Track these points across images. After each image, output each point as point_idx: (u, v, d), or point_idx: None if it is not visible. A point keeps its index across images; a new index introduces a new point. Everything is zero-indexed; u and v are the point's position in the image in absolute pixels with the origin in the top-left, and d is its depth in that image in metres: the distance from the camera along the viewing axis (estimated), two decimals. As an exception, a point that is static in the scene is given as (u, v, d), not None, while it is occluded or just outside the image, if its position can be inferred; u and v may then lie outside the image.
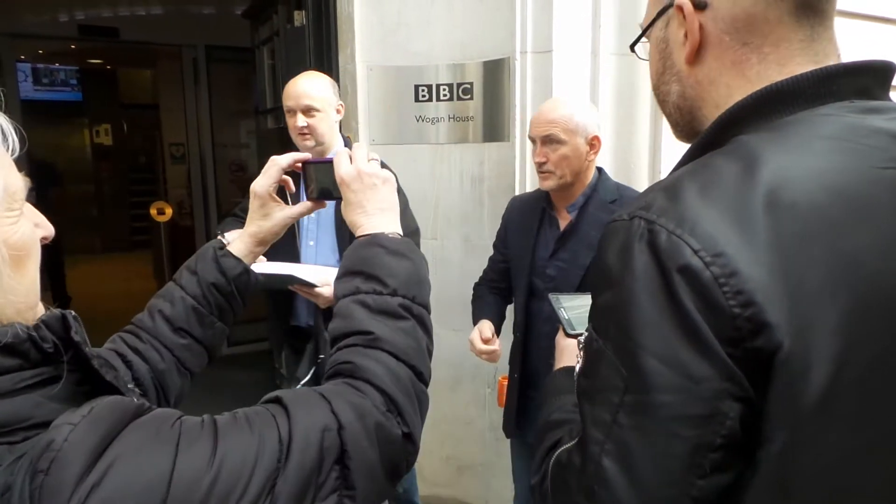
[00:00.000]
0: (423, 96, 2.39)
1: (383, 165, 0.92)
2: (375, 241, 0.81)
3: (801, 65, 0.62)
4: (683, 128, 0.72)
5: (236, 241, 0.94)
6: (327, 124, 1.91)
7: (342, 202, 0.87)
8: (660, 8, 0.70)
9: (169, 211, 6.24)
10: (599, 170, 1.66)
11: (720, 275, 0.52)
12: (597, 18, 2.19)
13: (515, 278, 1.74)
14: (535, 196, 1.73)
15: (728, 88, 0.65)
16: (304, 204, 0.96)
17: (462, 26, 2.33)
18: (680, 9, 0.66)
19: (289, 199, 0.98)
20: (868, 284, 0.54)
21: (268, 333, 3.61)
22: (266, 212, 0.93)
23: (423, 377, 0.74)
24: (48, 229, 0.63)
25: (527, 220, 1.74)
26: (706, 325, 0.52)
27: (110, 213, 9.60)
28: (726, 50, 0.64)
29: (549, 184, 1.60)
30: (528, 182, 2.25)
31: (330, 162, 0.88)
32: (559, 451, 0.65)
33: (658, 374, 0.54)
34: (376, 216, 0.85)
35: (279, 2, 2.76)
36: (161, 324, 0.88)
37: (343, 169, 0.86)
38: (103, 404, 0.55)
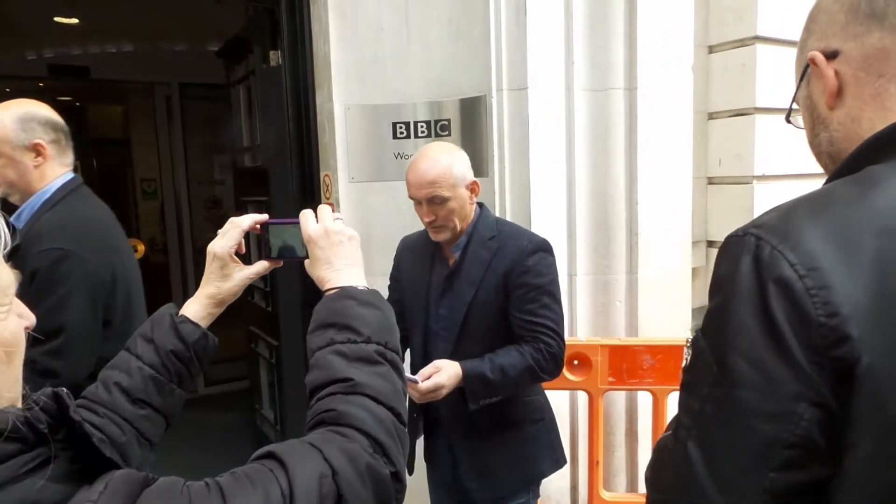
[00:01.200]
0: (402, 133, 2.41)
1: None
2: (346, 293, 0.84)
3: None
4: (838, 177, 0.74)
5: (192, 304, 0.94)
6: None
7: (309, 259, 0.91)
8: (801, 71, 0.75)
9: (141, 248, 6.13)
10: (480, 205, 1.71)
11: (812, 287, 0.56)
12: (569, 56, 2.24)
13: (411, 320, 1.76)
14: (424, 237, 1.75)
15: (871, 122, 0.68)
16: (262, 263, 0.98)
17: (439, 64, 2.36)
18: (814, 63, 0.71)
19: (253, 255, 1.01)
20: None
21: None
22: (226, 273, 0.94)
23: (401, 418, 0.76)
24: (30, 318, 0.63)
25: (418, 262, 1.77)
26: (792, 332, 0.57)
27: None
28: (864, 86, 0.68)
29: (444, 236, 1.65)
30: (507, 214, 2.27)
31: (293, 223, 0.93)
32: (664, 436, 0.71)
33: (742, 372, 0.59)
34: (344, 271, 0.88)
35: (254, 41, 2.77)
36: (118, 396, 0.86)
37: (311, 227, 0.90)
38: (116, 479, 0.56)
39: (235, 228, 0.95)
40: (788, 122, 0.83)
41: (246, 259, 0.99)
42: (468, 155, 1.81)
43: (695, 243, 2.75)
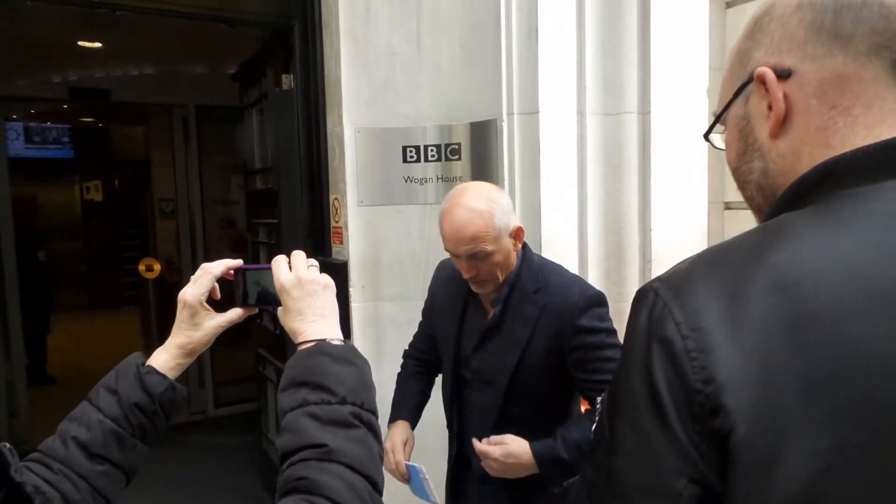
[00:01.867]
0: (412, 157, 2.40)
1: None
2: (320, 349, 0.80)
3: (892, 127, 0.58)
4: (765, 210, 0.66)
5: (160, 354, 0.90)
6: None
7: (281, 309, 0.87)
8: (738, 85, 0.66)
9: (157, 267, 6.18)
10: (523, 246, 1.53)
11: (692, 349, 0.51)
12: (581, 80, 2.22)
13: (442, 359, 1.66)
14: (458, 273, 1.55)
15: (811, 158, 0.59)
16: (235, 311, 0.94)
17: (449, 88, 2.35)
18: (761, 80, 0.62)
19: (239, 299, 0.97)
20: (875, 382, 0.48)
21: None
22: (197, 321, 0.90)
23: (378, 487, 0.72)
24: None
25: (451, 300, 1.62)
26: (672, 399, 0.52)
27: (99, 269, 9.52)
28: (812, 116, 0.60)
29: (486, 290, 1.49)
30: (517, 241, 2.24)
31: (267, 269, 0.89)
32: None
33: (626, 439, 0.55)
34: (318, 322, 0.84)
35: (267, 65, 2.79)
36: (75, 451, 0.80)
37: (283, 276, 0.86)
38: None
39: (207, 275, 0.92)
40: (707, 139, 0.74)
41: (223, 305, 0.95)
42: (477, 179, 1.78)
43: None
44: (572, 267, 2.26)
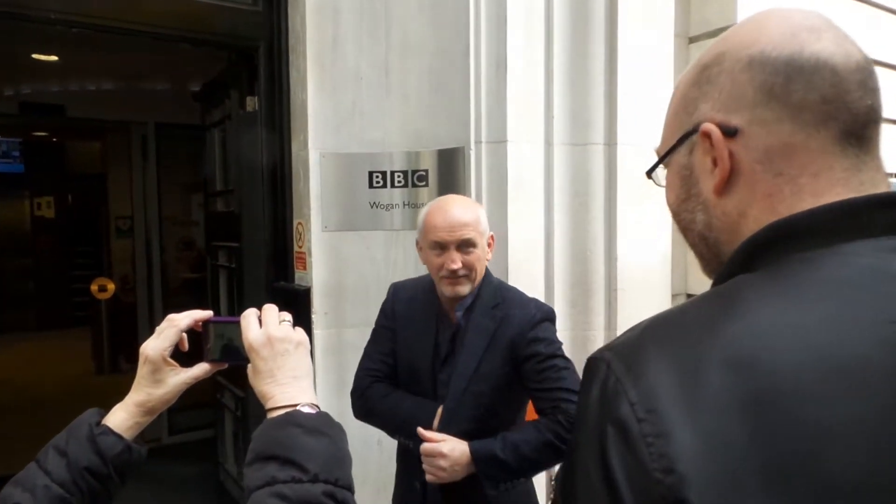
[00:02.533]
0: (378, 182, 2.37)
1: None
2: (290, 419, 0.74)
3: (840, 195, 0.56)
4: (710, 261, 0.65)
5: (118, 412, 0.83)
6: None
7: (250, 368, 0.81)
8: (680, 134, 0.64)
9: (111, 287, 5.97)
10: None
11: (649, 433, 0.47)
12: (549, 110, 2.23)
13: (408, 381, 1.63)
14: (423, 288, 1.64)
15: (756, 223, 0.58)
16: (202, 366, 0.88)
17: (417, 115, 2.34)
18: (707, 136, 0.60)
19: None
20: (837, 467, 0.44)
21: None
22: (159, 377, 0.83)
23: None
24: None
25: (421, 319, 1.63)
26: (629, 488, 0.48)
27: (49, 288, 9.15)
28: (758, 181, 0.58)
29: (464, 290, 1.52)
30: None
31: (237, 322, 0.83)
32: None
33: None
34: (289, 385, 0.78)
35: (231, 86, 2.73)
36: None
37: (252, 334, 0.80)
38: None
39: (172, 328, 0.85)
40: (649, 177, 0.72)
41: (189, 359, 0.89)
42: None
43: (675, 296, 2.72)
44: (538, 294, 2.25)
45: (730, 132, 0.59)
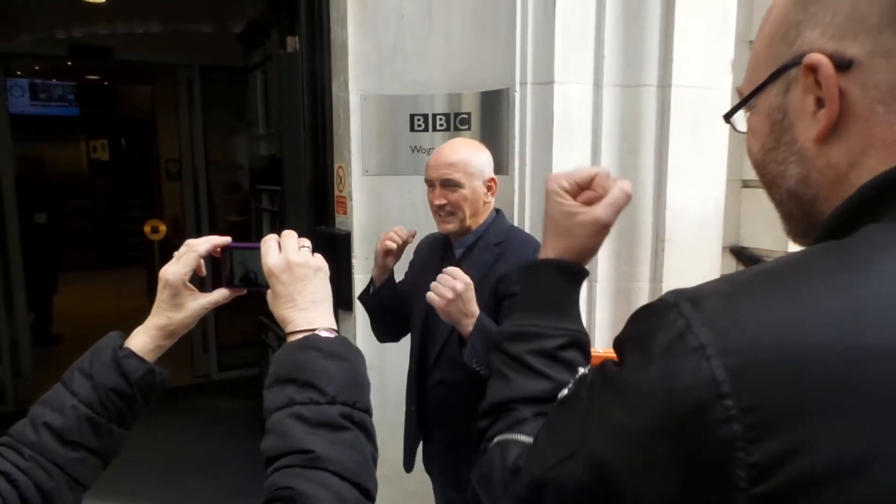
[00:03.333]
0: (419, 126, 2.31)
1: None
2: (309, 343, 0.74)
3: None
4: (800, 222, 0.56)
5: (139, 335, 0.84)
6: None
7: (270, 294, 0.81)
8: (775, 68, 0.53)
9: (163, 229, 6.15)
10: (497, 211, 1.68)
11: (743, 437, 0.37)
12: (600, 50, 2.11)
13: (414, 314, 1.73)
14: (440, 236, 1.75)
15: (874, 173, 0.48)
16: (221, 292, 0.89)
17: (460, 56, 2.25)
18: (811, 69, 0.49)
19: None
20: None
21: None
22: (179, 302, 0.84)
23: (369, 493, 0.67)
24: None
25: (431, 254, 1.76)
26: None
27: (106, 228, 9.51)
28: (877, 124, 0.48)
29: (450, 227, 1.61)
30: (527, 215, 2.17)
31: (256, 248, 0.83)
32: (506, 437, 0.61)
33: None
34: (308, 311, 0.78)
35: (272, 26, 2.68)
36: (47, 438, 0.75)
37: (271, 259, 0.80)
38: None
39: (191, 253, 0.85)
40: (728, 121, 0.63)
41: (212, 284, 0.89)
42: (488, 151, 1.75)
43: (724, 248, 2.61)
44: (582, 245, 2.19)
45: (843, 64, 0.48)
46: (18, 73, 7.88)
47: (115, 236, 9.34)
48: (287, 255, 0.80)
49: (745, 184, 3.07)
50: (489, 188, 1.62)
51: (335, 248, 2.41)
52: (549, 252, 0.73)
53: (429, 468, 1.81)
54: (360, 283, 2.41)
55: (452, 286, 1.40)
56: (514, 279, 1.48)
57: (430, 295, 1.42)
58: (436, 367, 1.64)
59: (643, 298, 2.25)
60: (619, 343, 0.52)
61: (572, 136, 2.13)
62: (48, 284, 5.49)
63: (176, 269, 0.84)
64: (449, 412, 1.62)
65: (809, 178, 0.53)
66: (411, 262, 1.84)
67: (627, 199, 0.74)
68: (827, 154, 0.51)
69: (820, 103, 0.50)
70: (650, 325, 0.47)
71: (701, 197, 2.25)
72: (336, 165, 2.47)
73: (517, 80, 2.11)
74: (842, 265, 0.44)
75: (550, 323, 0.68)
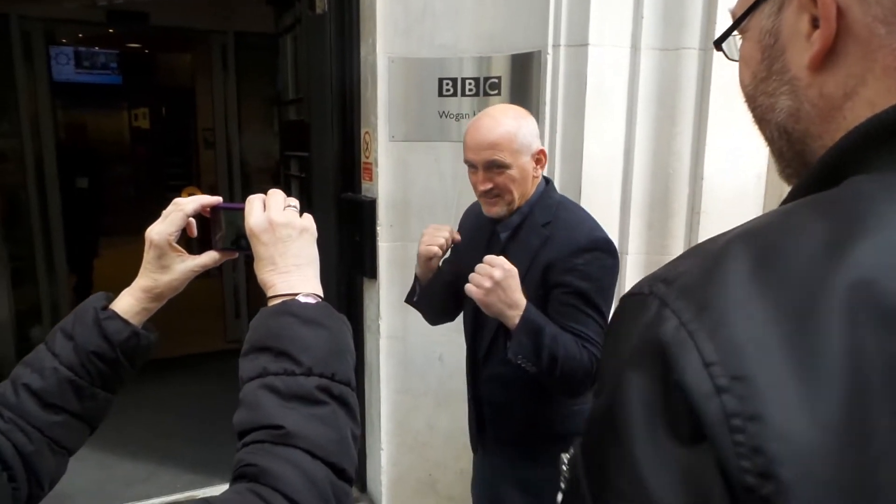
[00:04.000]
0: (448, 90, 2.24)
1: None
2: (286, 308, 0.70)
3: None
4: (791, 162, 0.51)
5: (125, 297, 0.80)
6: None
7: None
8: None
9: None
10: (546, 181, 1.50)
11: (734, 412, 0.32)
12: (638, 10, 2.00)
13: (465, 300, 1.55)
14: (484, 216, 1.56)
15: (870, 107, 0.42)
16: (211, 254, 0.85)
17: (491, 17, 2.17)
18: None
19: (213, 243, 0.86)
20: None
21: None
22: (165, 263, 0.80)
23: (345, 473, 0.62)
24: None
25: (477, 233, 1.58)
26: (696, 493, 0.33)
27: (147, 195, 9.72)
28: (879, 49, 0.42)
29: (498, 210, 1.44)
30: (557, 187, 2.09)
31: (242, 209, 0.78)
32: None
33: None
34: (291, 274, 0.74)
35: (302, -13, 2.63)
36: (27, 400, 0.72)
37: (253, 218, 0.75)
38: None
39: (178, 212, 0.81)
40: (719, 48, 0.57)
41: (200, 247, 0.85)
42: (532, 117, 1.63)
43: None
44: (613, 214, 2.11)
45: None
46: (63, 40, 8.03)
47: (155, 203, 9.51)
48: (270, 214, 0.76)
49: (791, 157, 2.93)
50: (538, 161, 1.44)
51: (360, 215, 2.38)
52: None
53: (476, 475, 1.71)
54: (384, 251, 2.39)
55: (489, 274, 1.29)
56: (564, 267, 1.36)
57: (469, 287, 1.32)
58: (486, 362, 1.53)
59: (676, 273, 2.17)
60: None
61: (606, 103, 2.04)
62: (89, 248, 5.63)
63: (161, 228, 0.80)
64: (500, 410, 1.52)
65: (800, 112, 0.47)
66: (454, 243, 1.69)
67: None
68: (820, 83, 0.45)
69: (815, 23, 0.44)
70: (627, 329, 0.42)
71: (741, 168, 2.14)
72: (363, 131, 2.43)
73: (550, 42, 2.03)
74: (833, 222, 0.37)
75: None
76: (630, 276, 2.16)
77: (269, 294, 0.74)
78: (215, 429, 3.45)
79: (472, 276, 1.32)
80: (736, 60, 0.54)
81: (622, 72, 2.04)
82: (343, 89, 2.45)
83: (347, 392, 0.66)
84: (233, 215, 0.84)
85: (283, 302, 0.71)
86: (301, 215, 0.78)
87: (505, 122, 1.39)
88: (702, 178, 2.08)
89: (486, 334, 1.51)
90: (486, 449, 1.63)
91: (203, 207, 0.83)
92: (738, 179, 2.15)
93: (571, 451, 0.44)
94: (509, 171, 1.39)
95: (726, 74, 2.03)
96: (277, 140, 4.85)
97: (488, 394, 1.54)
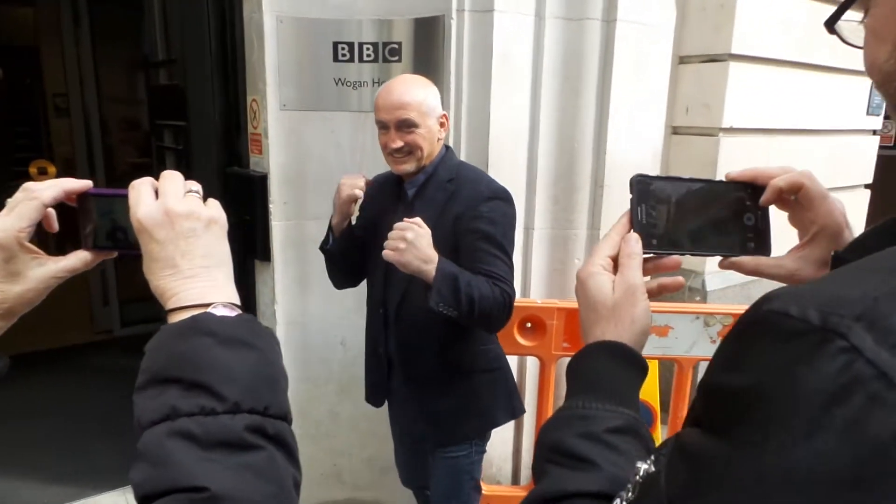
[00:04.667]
0: (344, 56, 2.07)
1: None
2: (197, 325, 0.53)
3: None
4: None
5: None
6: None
7: (145, 258, 0.59)
8: None
9: (52, 170, 5.56)
10: (447, 147, 1.64)
11: None
12: (543, -24, 1.94)
13: (372, 258, 1.66)
14: (390, 176, 1.67)
15: None
16: (79, 255, 0.65)
17: (390, -24, 2.02)
18: None
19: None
20: None
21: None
22: (14, 269, 0.61)
23: None
24: None
25: (385, 198, 1.68)
26: None
27: (-15, 169, 8.55)
28: None
29: (407, 167, 1.55)
30: (462, 155, 2.01)
31: (124, 196, 0.60)
32: None
33: None
34: (198, 278, 0.57)
35: (170, -67, 2.32)
36: None
37: (142, 209, 0.58)
38: None
39: (30, 201, 0.61)
40: (832, 31, 0.50)
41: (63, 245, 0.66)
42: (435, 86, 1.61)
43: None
44: (519, 188, 2.07)
45: None
46: None
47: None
48: (166, 202, 0.58)
49: (675, 130, 3.04)
50: (441, 125, 1.57)
51: (250, 191, 2.16)
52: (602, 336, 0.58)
53: (392, 405, 1.80)
54: (278, 230, 2.20)
55: (402, 236, 1.39)
56: (471, 215, 1.48)
57: (386, 252, 1.40)
58: (399, 313, 1.62)
59: (580, 246, 2.17)
60: (714, 397, 0.35)
61: (511, 72, 1.98)
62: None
63: (7, 223, 0.60)
64: (413, 353, 1.62)
65: None
66: (361, 206, 1.75)
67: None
68: None
69: None
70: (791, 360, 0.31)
71: (641, 141, 2.17)
72: (250, 98, 2.20)
73: (454, 6, 1.92)
74: None
75: (605, 405, 0.53)
76: (537, 251, 2.14)
77: (170, 306, 0.56)
78: (86, 433, 3.11)
79: (387, 242, 1.41)
80: (852, 45, 0.47)
81: (527, 40, 1.98)
82: (224, 51, 2.20)
83: (284, 429, 0.51)
84: (108, 203, 0.65)
85: (193, 317, 0.54)
86: (205, 202, 0.61)
87: (414, 87, 1.53)
88: (605, 153, 2.09)
89: (397, 286, 1.61)
90: (393, 395, 1.73)
91: (67, 194, 0.64)
92: (638, 153, 2.18)
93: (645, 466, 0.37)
94: (419, 130, 1.51)
95: (628, 48, 2.03)
96: (143, 108, 4.38)
97: (403, 340, 1.62)
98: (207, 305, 0.55)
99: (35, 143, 7.79)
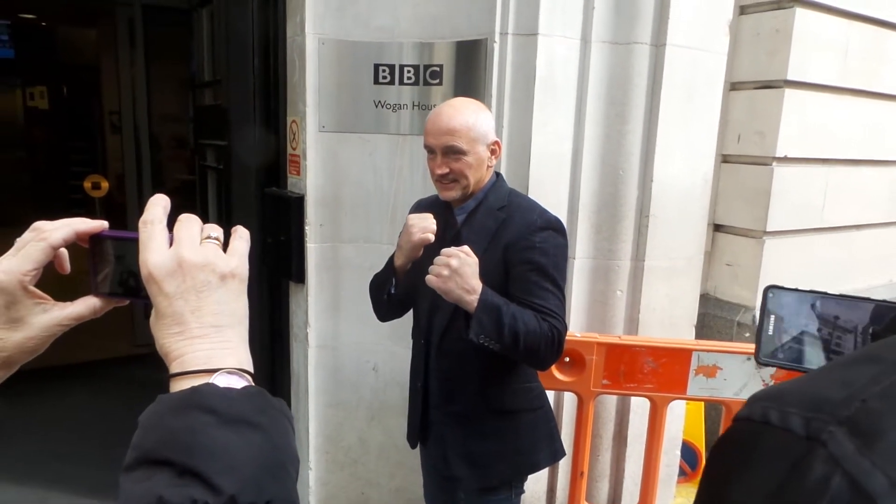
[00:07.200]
0: (384, 78, 2.05)
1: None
2: (198, 399, 0.46)
3: None
4: None
5: None
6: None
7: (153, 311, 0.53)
8: None
9: (105, 185, 5.72)
10: (497, 174, 1.60)
11: None
12: (590, 1, 1.89)
13: (420, 287, 1.56)
14: (438, 200, 1.61)
15: None
16: (88, 301, 0.59)
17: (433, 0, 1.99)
18: None
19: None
20: None
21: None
22: (16, 315, 0.55)
23: None
24: None
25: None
26: None
27: (45, 182, 8.91)
28: None
29: (453, 194, 1.51)
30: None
31: (135, 240, 0.54)
32: None
33: None
34: (207, 339, 0.50)
35: (220, -44, 2.36)
36: None
37: (154, 256, 0.51)
38: None
39: (39, 243, 0.55)
40: None
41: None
42: (489, 111, 1.58)
43: (708, 226, 2.47)
44: (560, 215, 1.97)
45: None
46: (-57, 7, 7.19)
47: (55, 190, 8.75)
48: (180, 250, 0.52)
49: (725, 159, 2.93)
50: (493, 152, 1.52)
51: (287, 213, 2.15)
52: None
53: (428, 446, 1.71)
54: (313, 252, 2.17)
55: (447, 263, 1.36)
56: (523, 245, 1.44)
57: (429, 277, 1.38)
58: (442, 341, 1.57)
59: (623, 277, 2.08)
60: None
61: (555, 97, 1.92)
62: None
63: (10, 265, 0.55)
64: (453, 385, 1.57)
65: None
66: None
67: None
68: None
69: None
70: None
71: (690, 170, 2.08)
72: (290, 119, 2.20)
73: (497, 29, 1.88)
74: None
75: None
76: (578, 282, 2.06)
77: (174, 370, 0.50)
78: (118, 448, 3.13)
79: (431, 267, 1.38)
80: None
81: (572, 65, 1.92)
82: (266, 72, 2.21)
83: None
84: (122, 247, 0.59)
85: (192, 389, 0.47)
86: (225, 250, 0.55)
87: (464, 111, 1.48)
88: (651, 181, 2.00)
89: (442, 316, 1.56)
90: (430, 434, 1.65)
91: (79, 235, 0.58)
92: (687, 181, 2.09)
93: None
94: (465, 158, 1.46)
95: (678, 73, 1.96)
96: (192, 125, 4.48)
97: (444, 370, 1.57)
98: (213, 372, 0.49)
99: (92, 158, 8.09)
